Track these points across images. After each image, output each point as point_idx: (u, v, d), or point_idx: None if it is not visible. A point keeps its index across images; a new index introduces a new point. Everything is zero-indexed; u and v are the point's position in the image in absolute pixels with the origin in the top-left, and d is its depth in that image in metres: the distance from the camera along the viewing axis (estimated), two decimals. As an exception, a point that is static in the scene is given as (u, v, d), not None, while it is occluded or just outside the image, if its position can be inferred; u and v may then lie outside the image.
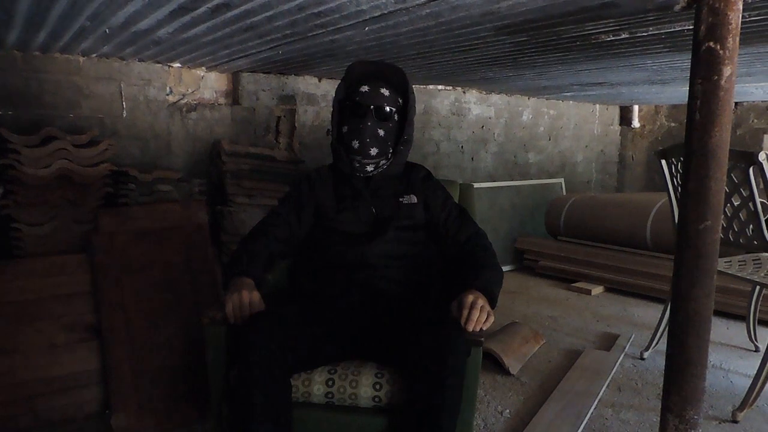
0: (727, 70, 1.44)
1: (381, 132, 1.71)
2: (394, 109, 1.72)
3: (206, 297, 2.41)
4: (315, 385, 1.48)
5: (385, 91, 1.71)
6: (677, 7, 1.52)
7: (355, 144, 1.70)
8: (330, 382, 1.48)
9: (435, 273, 1.78)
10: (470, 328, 1.43)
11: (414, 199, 1.75)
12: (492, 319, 1.49)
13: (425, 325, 1.45)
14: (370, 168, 1.74)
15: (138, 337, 2.26)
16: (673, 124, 5.54)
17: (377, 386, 1.46)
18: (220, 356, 1.51)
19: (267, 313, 1.49)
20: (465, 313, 1.44)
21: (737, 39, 1.43)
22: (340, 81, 1.77)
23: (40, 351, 2.19)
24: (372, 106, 1.69)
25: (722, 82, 1.44)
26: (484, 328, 1.46)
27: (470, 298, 1.47)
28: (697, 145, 1.49)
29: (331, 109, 1.77)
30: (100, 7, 1.76)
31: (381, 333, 1.58)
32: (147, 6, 1.71)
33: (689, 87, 1.50)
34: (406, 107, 1.76)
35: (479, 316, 1.45)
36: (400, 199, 1.74)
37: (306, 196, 1.77)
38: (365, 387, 1.47)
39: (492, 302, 1.54)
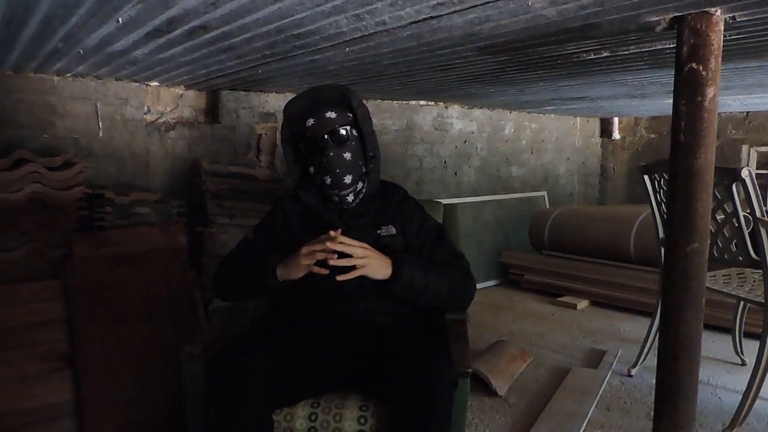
0: (710, 91, 1.43)
1: (347, 156, 1.61)
2: (348, 127, 1.62)
3: (186, 323, 2.35)
4: (297, 420, 1.43)
5: (331, 114, 1.60)
6: (659, 28, 1.52)
7: (328, 180, 1.60)
8: (313, 417, 1.43)
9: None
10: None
11: (392, 229, 1.66)
12: (363, 271, 1.47)
13: (410, 356, 1.41)
14: (350, 198, 1.64)
15: (114, 366, 2.18)
16: (653, 136, 5.59)
17: (362, 420, 1.42)
18: (198, 392, 1.45)
19: (246, 346, 1.45)
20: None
21: (719, 60, 1.43)
22: (281, 125, 1.67)
23: (11, 382, 2.10)
24: (325, 135, 1.59)
25: (706, 103, 1.43)
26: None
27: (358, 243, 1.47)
28: (682, 167, 1.48)
29: (283, 154, 1.69)
30: (73, 29, 1.71)
31: (364, 363, 1.53)
32: (121, 28, 1.66)
33: (673, 108, 1.50)
34: (357, 121, 1.65)
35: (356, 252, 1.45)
36: (378, 231, 1.65)
37: (279, 228, 1.70)
38: (350, 421, 1.42)
39: (402, 280, 1.51)
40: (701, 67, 1.41)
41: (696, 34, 1.41)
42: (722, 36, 1.41)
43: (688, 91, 1.44)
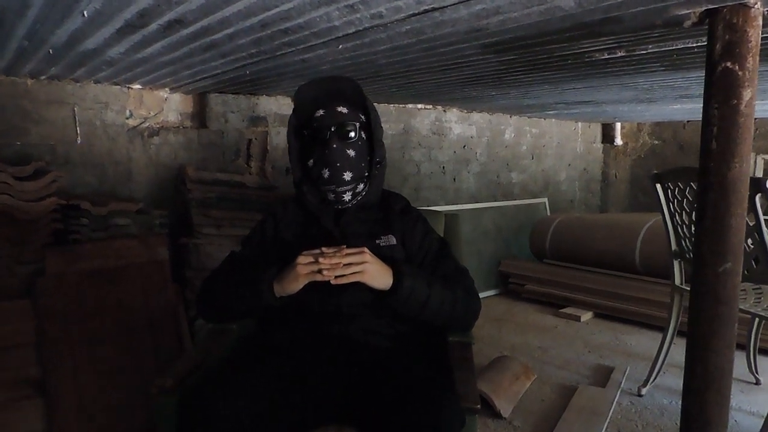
0: (747, 93, 1.28)
1: (351, 153, 1.50)
2: (358, 124, 1.52)
3: (168, 343, 2.18)
4: (284, 465, 1.26)
5: (343, 109, 1.51)
6: (687, 23, 1.36)
7: (326, 173, 1.49)
8: (302, 459, 1.27)
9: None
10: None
11: (393, 239, 1.54)
12: (361, 277, 1.33)
13: (411, 389, 1.25)
14: (347, 197, 1.52)
15: (88, 393, 2.01)
16: (656, 142, 5.45)
17: (357, 463, 1.25)
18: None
19: (227, 378, 1.29)
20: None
21: (757, 58, 1.28)
22: (290, 114, 1.55)
23: (-24, 411, 1.94)
24: (333, 128, 1.49)
25: (742, 107, 1.28)
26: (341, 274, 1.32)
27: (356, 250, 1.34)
28: (715, 178, 1.32)
29: (287, 144, 1.56)
30: (35, 25, 1.54)
31: (360, 392, 1.37)
32: (88, 23, 1.50)
33: (703, 112, 1.34)
34: (369, 125, 1.55)
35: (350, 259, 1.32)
36: (377, 241, 1.52)
37: (270, 240, 1.56)
38: (343, 464, 1.25)
39: (403, 290, 1.38)
40: (737, 67, 1.25)
41: (731, 29, 1.25)
42: (761, 32, 1.26)
43: (722, 94, 1.28)
